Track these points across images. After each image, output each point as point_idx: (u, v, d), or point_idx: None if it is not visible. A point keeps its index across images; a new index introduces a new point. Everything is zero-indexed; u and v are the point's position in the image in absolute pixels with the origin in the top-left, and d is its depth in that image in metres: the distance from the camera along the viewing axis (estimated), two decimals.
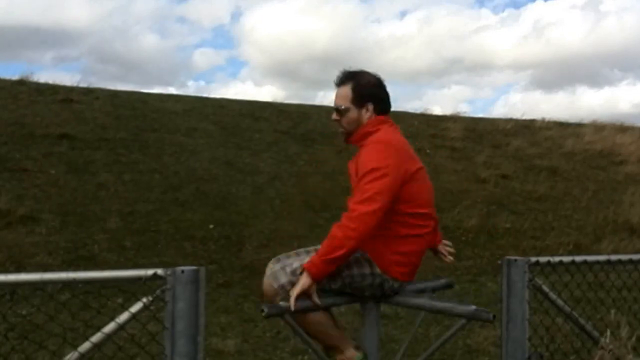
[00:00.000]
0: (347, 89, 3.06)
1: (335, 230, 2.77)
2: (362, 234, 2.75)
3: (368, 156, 2.89)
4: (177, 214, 8.29)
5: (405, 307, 3.32)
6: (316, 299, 2.81)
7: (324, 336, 3.01)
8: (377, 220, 2.77)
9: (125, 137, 10.70)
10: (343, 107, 3.05)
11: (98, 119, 11.32)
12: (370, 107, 3.05)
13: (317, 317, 2.96)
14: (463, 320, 2.90)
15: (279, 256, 3.04)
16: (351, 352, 3.01)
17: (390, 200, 2.82)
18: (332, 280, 2.89)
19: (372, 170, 2.81)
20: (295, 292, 2.73)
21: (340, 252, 2.74)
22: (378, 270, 2.93)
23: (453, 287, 3.60)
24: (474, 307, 2.85)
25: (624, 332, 3.42)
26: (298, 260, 2.94)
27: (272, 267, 2.98)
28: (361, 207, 2.76)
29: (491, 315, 2.75)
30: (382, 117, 3.06)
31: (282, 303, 2.77)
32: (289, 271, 2.91)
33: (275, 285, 2.90)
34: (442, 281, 3.52)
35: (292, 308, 2.72)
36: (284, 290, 2.86)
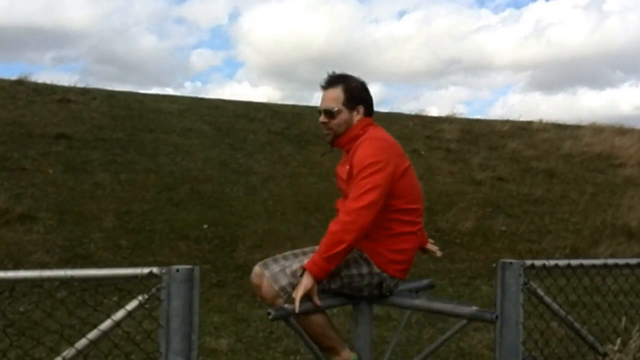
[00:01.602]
0: (338, 91, 3.05)
1: (333, 226, 2.76)
2: (361, 228, 2.75)
3: (364, 152, 2.89)
4: (172, 213, 8.30)
5: (402, 308, 3.27)
6: (317, 300, 2.79)
7: (323, 337, 2.97)
8: (374, 214, 2.78)
9: (121, 137, 10.72)
10: (336, 109, 3.02)
11: (95, 119, 11.34)
12: (361, 109, 3.06)
13: (317, 318, 2.93)
14: (463, 321, 2.85)
15: (267, 260, 3.01)
16: (348, 353, 2.99)
17: (386, 194, 2.83)
18: (331, 281, 2.89)
19: (370, 164, 2.82)
20: (299, 293, 2.71)
21: (341, 248, 2.72)
22: (377, 269, 2.93)
23: (434, 287, 3.60)
24: (475, 307, 2.81)
25: (634, 338, 3.41)
26: (297, 261, 2.93)
27: (266, 269, 2.93)
28: (358, 202, 2.76)
29: (494, 316, 2.71)
30: (369, 119, 3.09)
31: (286, 306, 2.72)
32: (288, 272, 2.88)
33: (276, 287, 2.86)
34: (425, 282, 3.52)
35: (297, 310, 2.69)
36: (285, 292, 2.83)
